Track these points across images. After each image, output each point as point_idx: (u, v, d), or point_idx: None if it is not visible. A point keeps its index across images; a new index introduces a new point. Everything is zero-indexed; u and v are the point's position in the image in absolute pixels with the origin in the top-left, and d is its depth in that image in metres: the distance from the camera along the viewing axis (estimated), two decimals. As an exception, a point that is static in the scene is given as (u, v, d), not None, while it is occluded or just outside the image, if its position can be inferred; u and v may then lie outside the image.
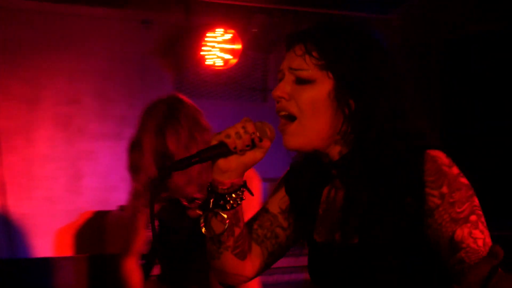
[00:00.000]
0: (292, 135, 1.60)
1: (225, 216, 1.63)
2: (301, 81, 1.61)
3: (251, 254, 1.73)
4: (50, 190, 4.97)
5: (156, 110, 2.83)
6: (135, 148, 2.85)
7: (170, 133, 2.77)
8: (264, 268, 1.77)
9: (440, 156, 1.54)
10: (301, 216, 1.72)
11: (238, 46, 5.18)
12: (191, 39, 5.12)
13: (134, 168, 2.86)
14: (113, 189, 4.88)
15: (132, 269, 3.06)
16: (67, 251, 4.93)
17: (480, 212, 1.51)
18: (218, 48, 5.15)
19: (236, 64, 5.29)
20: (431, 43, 6.01)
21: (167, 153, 2.78)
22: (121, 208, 4.58)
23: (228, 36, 5.16)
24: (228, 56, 5.19)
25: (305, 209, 1.71)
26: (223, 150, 1.58)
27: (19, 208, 4.75)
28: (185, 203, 2.80)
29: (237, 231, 1.67)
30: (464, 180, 1.53)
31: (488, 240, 1.48)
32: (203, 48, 5.10)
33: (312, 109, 1.60)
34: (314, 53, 1.60)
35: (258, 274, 1.77)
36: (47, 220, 4.92)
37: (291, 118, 1.61)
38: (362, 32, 1.66)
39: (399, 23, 5.96)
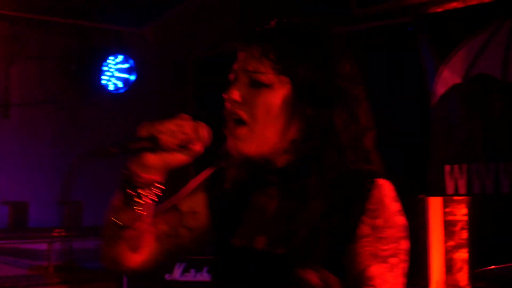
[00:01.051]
0: (242, 141, 1.54)
1: (136, 210, 1.56)
2: (257, 84, 1.55)
3: (146, 248, 1.66)
4: None
5: None
6: None
7: None
8: (155, 264, 1.70)
9: (387, 187, 1.51)
10: (221, 219, 1.66)
11: None
12: None
13: None
14: None
15: None
16: None
17: (404, 258, 1.47)
18: None
19: None
20: (187, 59, 6.15)
21: None
22: None
23: None
24: None
25: (228, 213, 1.65)
26: (151, 145, 1.51)
27: None
28: None
29: (140, 226, 1.60)
30: (400, 219, 1.49)
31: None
32: None
33: (265, 115, 1.54)
34: (271, 56, 1.53)
35: (146, 268, 1.70)
36: None
37: (241, 122, 1.55)
38: (323, 37, 1.61)
39: (153, 38, 6.03)
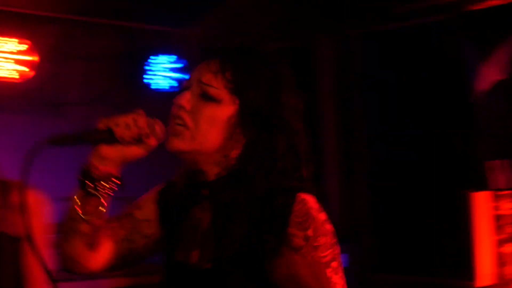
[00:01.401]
0: (179, 138, 1.59)
1: (95, 202, 1.60)
2: (207, 97, 1.60)
3: (103, 249, 1.70)
4: None
5: None
6: None
7: None
8: (111, 268, 1.74)
9: (310, 200, 1.56)
10: (167, 231, 1.71)
11: (33, 58, 5.03)
12: None
13: None
14: None
15: None
16: None
17: (340, 260, 1.55)
18: (12, 59, 4.98)
19: (31, 77, 5.10)
20: None
21: None
22: None
23: (23, 47, 5.02)
24: (23, 68, 5.02)
25: (172, 226, 1.71)
26: (108, 137, 1.56)
27: None
28: None
29: (97, 221, 1.64)
30: (329, 227, 1.56)
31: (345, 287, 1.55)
32: None
33: (207, 127, 1.59)
34: (227, 74, 1.59)
35: (102, 271, 1.74)
36: None
37: (184, 127, 1.60)
38: (276, 68, 1.66)
39: (197, 38, 5.98)
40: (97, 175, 1.61)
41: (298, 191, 1.57)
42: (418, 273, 4.92)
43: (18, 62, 4.99)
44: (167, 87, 5.64)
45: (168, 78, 5.72)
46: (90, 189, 1.60)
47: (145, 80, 5.56)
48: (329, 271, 1.52)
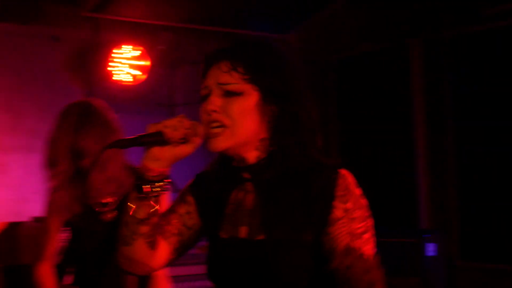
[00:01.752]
0: (222, 138, 1.67)
1: (151, 203, 1.69)
2: (230, 94, 1.68)
3: (159, 247, 1.77)
4: (-39, 202, 4.86)
5: (71, 112, 2.92)
6: (51, 144, 2.91)
7: (83, 132, 2.86)
8: (168, 263, 1.83)
9: (348, 176, 1.66)
10: (208, 216, 1.79)
11: (146, 63, 5.24)
12: (99, 55, 5.14)
13: (50, 162, 2.90)
14: (25, 201, 4.82)
15: (46, 275, 3.01)
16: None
17: (373, 232, 1.65)
18: (128, 64, 5.20)
19: (144, 80, 5.32)
20: (327, 61, 6.16)
21: (79, 150, 2.86)
22: (34, 219, 4.58)
23: (138, 53, 5.22)
24: (138, 73, 5.24)
25: (213, 210, 1.78)
26: (160, 139, 1.64)
27: None
28: (97, 209, 2.88)
29: (155, 220, 1.73)
30: (364, 201, 1.66)
31: (376, 255, 1.64)
32: (110, 64, 5.12)
33: (242, 118, 1.67)
34: (239, 69, 1.67)
35: (162, 267, 1.84)
36: (-39, 231, 4.77)
37: (222, 127, 1.68)
38: (275, 50, 1.77)
39: (297, 42, 6.13)
40: (152, 176, 1.68)
41: (338, 166, 1.67)
42: (504, 261, 4.83)
43: (132, 66, 5.22)
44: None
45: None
46: (146, 191, 1.67)
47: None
48: (361, 242, 1.61)
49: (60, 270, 3.21)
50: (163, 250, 1.79)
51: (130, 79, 5.25)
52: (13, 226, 4.85)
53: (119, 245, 1.78)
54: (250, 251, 1.68)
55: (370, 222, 1.66)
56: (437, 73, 5.35)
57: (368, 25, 5.73)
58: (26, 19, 5.13)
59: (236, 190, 1.78)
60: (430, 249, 4.67)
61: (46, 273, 3.01)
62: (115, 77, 5.19)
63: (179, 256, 1.84)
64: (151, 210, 1.71)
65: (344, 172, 1.66)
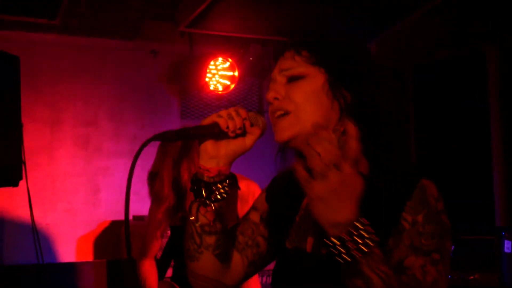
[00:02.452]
0: (285, 126, 1.48)
1: (212, 206, 1.51)
2: (294, 78, 1.51)
3: (232, 261, 1.58)
4: (71, 202, 5.14)
5: (173, 146, 3.09)
6: (155, 179, 3.11)
7: (184, 166, 3.05)
8: (244, 278, 1.62)
9: (431, 186, 1.42)
10: (278, 223, 1.60)
11: (236, 73, 5.39)
12: (194, 67, 5.31)
13: (156, 197, 3.10)
14: (127, 201, 5.05)
15: (149, 270, 3.22)
16: (87, 256, 5.06)
17: (447, 256, 1.37)
18: (218, 75, 5.36)
19: (235, 89, 5.47)
20: (405, 68, 6.04)
21: (181, 182, 3.06)
22: (134, 218, 4.82)
23: (227, 64, 5.39)
24: (227, 82, 5.40)
25: (283, 217, 1.59)
26: (215, 130, 1.47)
27: (44, 219, 4.87)
28: None
29: (220, 228, 1.52)
30: (445, 218, 1.41)
31: (441, 284, 1.35)
32: (205, 75, 5.27)
33: (307, 102, 1.49)
34: (303, 53, 1.52)
35: (238, 283, 1.61)
36: (68, 229, 5.06)
37: (287, 114, 1.50)
38: (343, 41, 1.61)
39: (377, 51, 6.08)
40: (210, 177, 1.50)
41: (421, 175, 1.44)
42: None
43: (222, 77, 5.37)
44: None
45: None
46: (206, 196, 1.49)
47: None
48: (424, 259, 1.34)
49: (161, 265, 3.46)
50: (238, 264, 1.59)
51: (221, 88, 5.40)
52: (116, 225, 5.10)
53: (186, 262, 1.57)
54: (315, 266, 1.48)
55: (446, 245, 1.39)
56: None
57: (447, 32, 5.67)
58: (129, 35, 5.34)
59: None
60: (508, 246, 4.74)
61: (149, 268, 3.24)
62: (210, 88, 5.34)
63: (256, 270, 1.64)
64: (215, 217, 1.51)
65: (426, 182, 1.43)
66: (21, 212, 4.70)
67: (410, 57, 6.00)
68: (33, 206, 4.04)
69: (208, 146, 1.49)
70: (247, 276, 1.61)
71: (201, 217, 1.50)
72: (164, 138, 1.45)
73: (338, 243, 1.25)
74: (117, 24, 5.18)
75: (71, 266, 4.33)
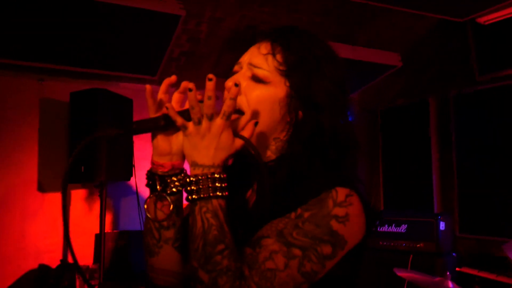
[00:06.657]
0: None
1: (169, 200, 1.46)
2: (257, 80, 1.46)
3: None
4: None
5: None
6: None
7: None
8: None
9: (340, 192, 1.35)
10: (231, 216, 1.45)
11: None
12: None
13: None
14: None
15: None
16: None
17: (313, 259, 1.29)
18: None
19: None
20: (376, 110, 6.63)
21: None
22: None
23: None
24: None
25: (233, 209, 1.48)
26: (160, 123, 1.37)
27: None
28: None
29: (178, 220, 1.49)
30: (335, 224, 1.31)
31: (278, 277, 1.26)
32: None
33: (260, 108, 1.44)
34: (278, 56, 1.46)
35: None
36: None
37: (239, 112, 1.46)
38: (322, 45, 1.52)
39: (358, 98, 6.75)
40: (164, 172, 1.44)
41: (340, 185, 1.36)
42: (487, 234, 5.44)
43: None
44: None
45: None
46: (161, 189, 1.45)
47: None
48: (282, 248, 1.29)
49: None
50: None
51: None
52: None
53: (146, 258, 1.53)
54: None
55: (319, 249, 1.29)
56: (447, 130, 5.78)
57: (404, 85, 6.27)
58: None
59: (252, 189, 1.58)
60: (442, 225, 5.44)
61: None
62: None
63: None
64: (171, 210, 1.47)
65: (338, 189, 1.36)
66: (130, 203, 5.52)
67: (380, 102, 6.61)
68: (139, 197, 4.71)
69: (159, 141, 1.43)
70: None
71: (158, 211, 1.46)
72: (105, 136, 1.35)
73: (193, 180, 1.31)
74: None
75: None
